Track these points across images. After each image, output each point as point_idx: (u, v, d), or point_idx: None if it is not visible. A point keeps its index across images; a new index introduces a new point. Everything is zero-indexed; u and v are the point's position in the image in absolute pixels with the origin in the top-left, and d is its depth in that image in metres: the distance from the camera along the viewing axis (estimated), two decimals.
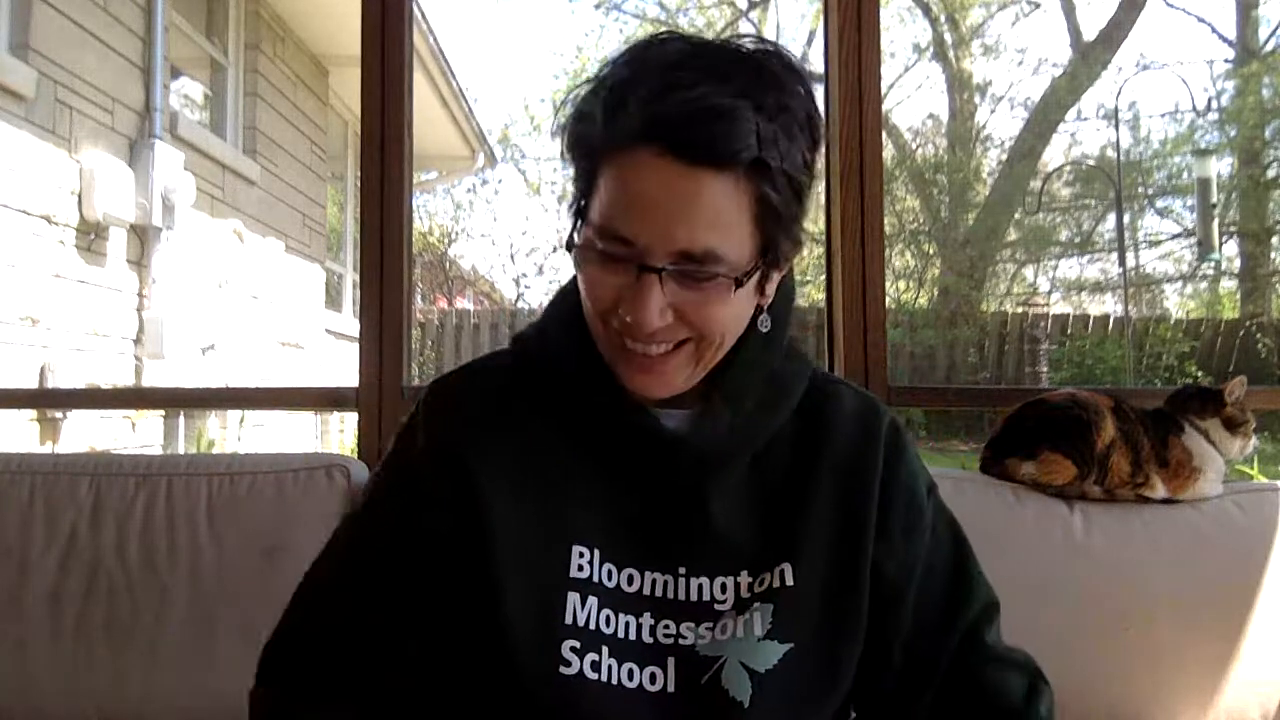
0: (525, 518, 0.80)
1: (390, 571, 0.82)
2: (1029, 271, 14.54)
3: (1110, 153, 12.43)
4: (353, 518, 0.90)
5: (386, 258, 1.62)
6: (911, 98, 16.50)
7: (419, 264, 13.53)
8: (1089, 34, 13.66)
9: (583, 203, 0.76)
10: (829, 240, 1.65)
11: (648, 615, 0.79)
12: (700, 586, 0.80)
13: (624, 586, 0.80)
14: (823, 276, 1.70)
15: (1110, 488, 1.35)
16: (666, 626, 0.79)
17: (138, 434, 4.24)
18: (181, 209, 4.30)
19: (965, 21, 14.47)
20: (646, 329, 0.73)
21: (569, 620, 0.78)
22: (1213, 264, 12.16)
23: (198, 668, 1.32)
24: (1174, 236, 13.52)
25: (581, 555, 0.80)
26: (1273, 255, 12.62)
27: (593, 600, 0.79)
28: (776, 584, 0.80)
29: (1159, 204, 13.68)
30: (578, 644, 0.77)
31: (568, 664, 0.76)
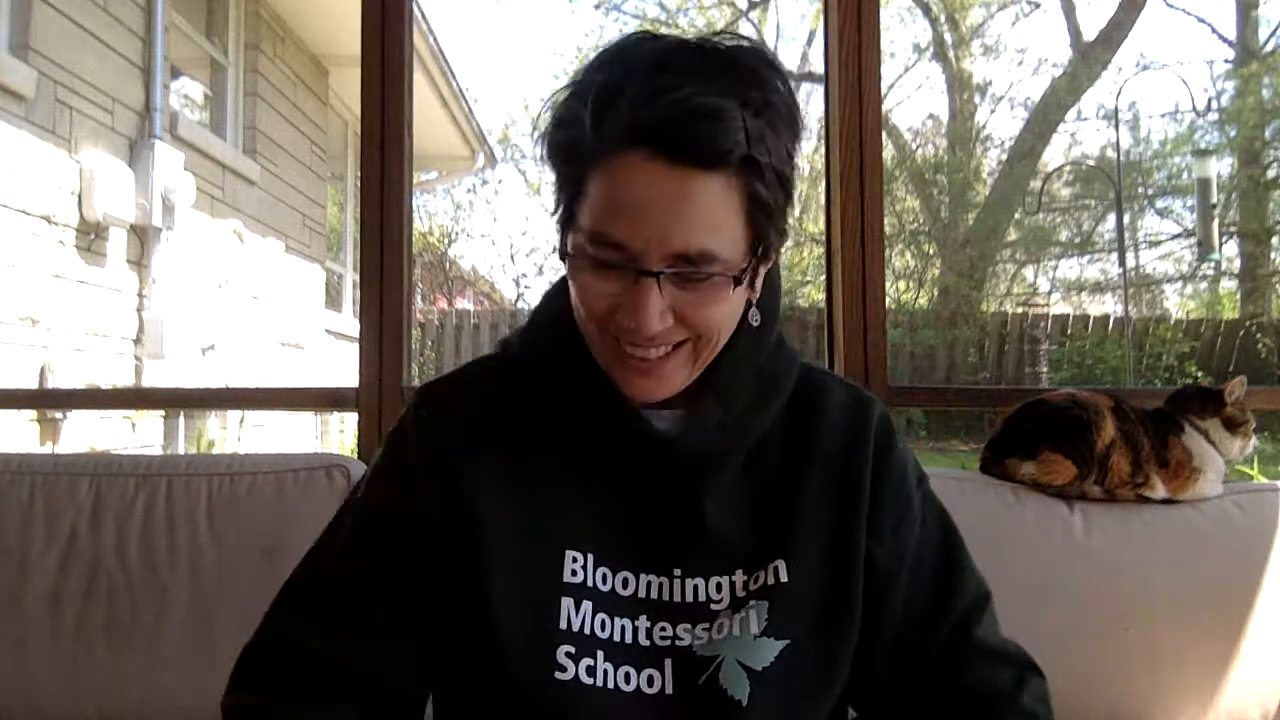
0: (517, 524, 0.80)
1: (386, 576, 0.81)
2: (1029, 271, 14.55)
3: (1110, 153, 12.43)
4: (339, 526, 0.87)
5: (386, 258, 1.62)
6: (911, 98, 16.52)
7: (419, 264, 13.53)
8: (1089, 34, 13.67)
9: (570, 209, 0.76)
10: (829, 240, 1.65)
11: (643, 618, 0.79)
12: (696, 587, 0.80)
13: (619, 590, 0.80)
14: (823, 276, 1.70)
15: (1110, 488, 1.35)
16: (663, 629, 0.79)
17: (138, 434, 4.24)
18: (181, 209, 4.30)
19: (965, 21, 14.47)
20: (647, 333, 0.73)
21: (563, 625, 0.77)
22: (1213, 264, 12.16)
23: (198, 668, 1.31)
24: (1174, 236, 13.53)
25: (575, 560, 0.79)
26: (1273, 255, 12.62)
27: (587, 605, 0.78)
28: (771, 581, 0.80)
29: (1159, 204, 13.69)
30: (572, 649, 0.77)
31: (563, 669, 0.76)
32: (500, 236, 23.04)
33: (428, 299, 13.53)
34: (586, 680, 0.76)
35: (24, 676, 1.33)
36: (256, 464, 1.42)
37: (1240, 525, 1.35)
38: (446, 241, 14.68)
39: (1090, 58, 13.43)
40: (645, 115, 0.69)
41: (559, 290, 0.87)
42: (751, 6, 14.72)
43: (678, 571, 0.81)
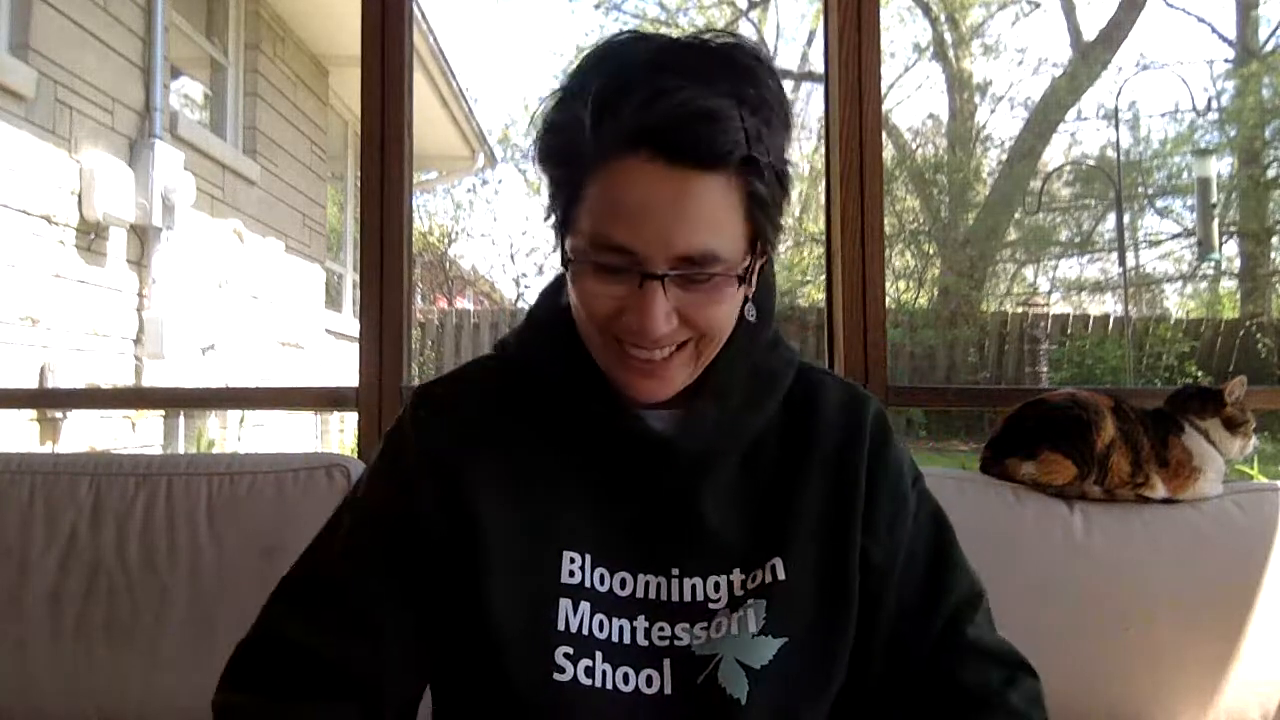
0: (515, 525, 0.80)
1: (384, 576, 0.81)
2: (1029, 271, 14.56)
3: (1110, 153, 12.43)
4: (337, 525, 0.87)
5: (386, 258, 1.62)
6: (911, 98, 16.53)
7: (419, 264, 13.53)
8: (1089, 34, 13.68)
9: (566, 214, 0.75)
10: (829, 240, 1.65)
11: (641, 618, 0.79)
12: (694, 587, 0.80)
13: (617, 590, 0.80)
14: (823, 276, 1.70)
15: (1110, 488, 1.35)
16: (661, 629, 0.79)
17: (138, 434, 4.24)
18: (181, 209, 4.30)
19: (965, 21, 14.48)
20: (653, 336, 0.73)
21: (561, 626, 0.77)
22: (1213, 264, 12.17)
23: (198, 668, 1.31)
24: (1174, 236, 13.54)
25: (573, 561, 0.79)
26: (1273, 255, 12.62)
27: (585, 606, 0.78)
28: (768, 579, 0.80)
29: (1159, 204, 13.69)
30: (570, 650, 0.77)
31: (561, 671, 0.76)
32: (500, 236, 23.06)
33: (428, 299, 13.53)
34: (585, 681, 0.76)
35: (24, 676, 1.33)
36: (256, 464, 1.42)
37: (1240, 525, 1.35)
38: (446, 241, 14.68)
39: (1090, 57, 13.43)
40: (646, 118, 0.69)
41: (555, 290, 0.87)
42: (751, 6, 14.72)
43: (675, 571, 0.81)
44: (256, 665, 0.81)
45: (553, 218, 0.78)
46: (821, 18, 1.71)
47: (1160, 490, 1.35)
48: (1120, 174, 9.16)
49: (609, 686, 0.77)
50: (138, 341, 4.23)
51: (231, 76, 5.40)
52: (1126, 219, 10.52)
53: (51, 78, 3.64)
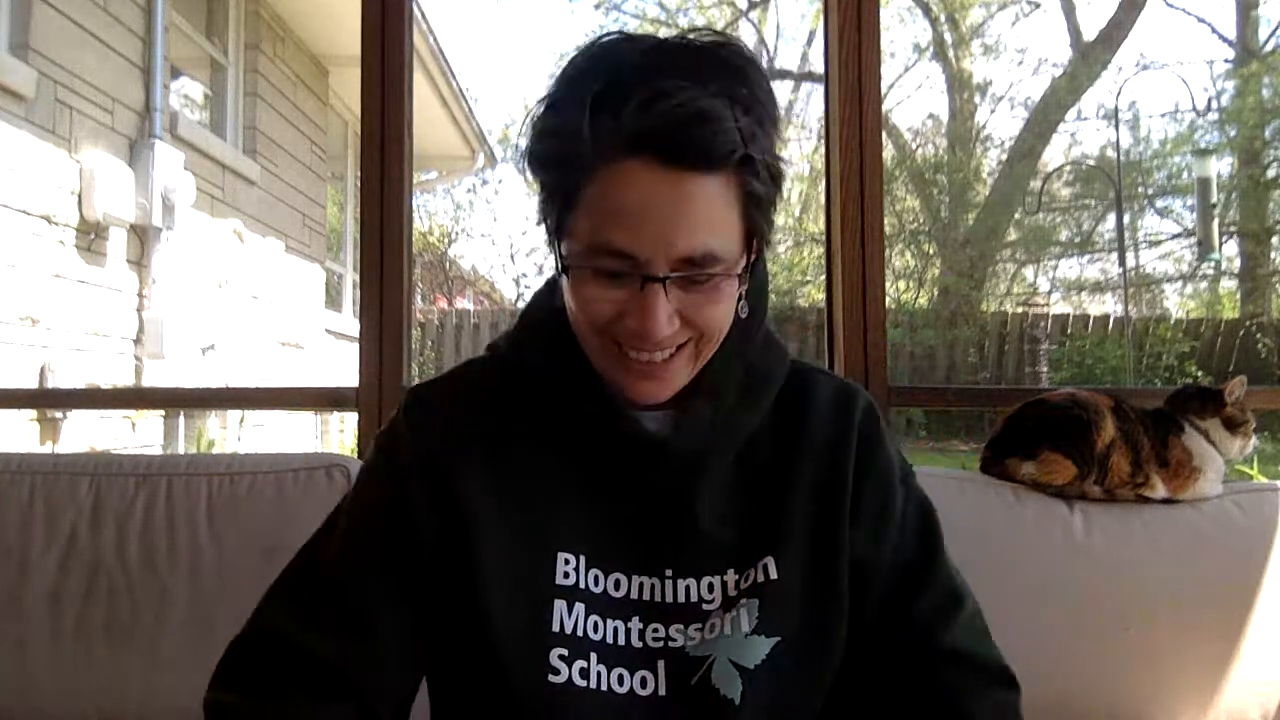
0: (509, 526, 0.80)
1: (381, 576, 0.81)
2: (1029, 271, 14.55)
3: (1110, 153, 12.43)
4: (333, 525, 0.87)
5: (386, 258, 1.62)
6: (911, 98, 16.53)
7: (419, 264, 13.53)
8: (1089, 34, 13.68)
9: (561, 219, 0.75)
10: (829, 240, 1.65)
11: (636, 620, 0.79)
12: (688, 588, 0.80)
13: (611, 592, 0.80)
14: (823, 276, 1.70)
15: (1110, 488, 1.35)
16: (655, 630, 0.79)
17: (138, 434, 4.24)
18: (181, 209, 4.30)
19: (965, 21, 14.47)
20: (656, 338, 0.73)
21: (556, 628, 0.77)
22: (1213, 264, 12.16)
23: (198, 668, 1.30)
24: (1174, 236, 13.53)
25: (567, 562, 0.80)
26: (1273, 255, 12.62)
27: (579, 607, 0.78)
28: (761, 578, 0.80)
29: (1159, 204, 13.69)
30: (565, 652, 0.77)
31: (556, 672, 0.76)
32: (500, 236, 22.98)
33: (428, 299, 13.53)
34: (580, 682, 0.76)
35: (24, 676, 1.33)
36: (256, 464, 1.41)
37: (1240, 525, 1.35)
38: (446, 241, 14.69)
39: (1090, 58, 13.43)
40: (643, 121, 0.69)
41: (548, 291, 0.87)
42: (751, 6, 14.72)
43: (669, 572, 0.81)
44: (251, 664, 0.81)
45: (545, 222, 0.77)
46: (821, 18, 1.71)
47: (1160, 490, 1.35)
48: (1120, 174, 9.16)
49: (604, 688, 0.77)
50: (138, 341, 4.23)
51: (231, 76, 5.40)
52: (1126, 219, 10.52)
53: (51, 78, 3.64)
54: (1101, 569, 1.31)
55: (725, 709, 0.77)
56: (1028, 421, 1.40)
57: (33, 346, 3.56)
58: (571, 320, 0.79)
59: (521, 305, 0.91)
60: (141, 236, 4.23)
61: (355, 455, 1.58)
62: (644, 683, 0.78)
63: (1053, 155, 14.14)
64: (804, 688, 0.80)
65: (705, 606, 0.80)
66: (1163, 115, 15.08)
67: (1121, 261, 9.65)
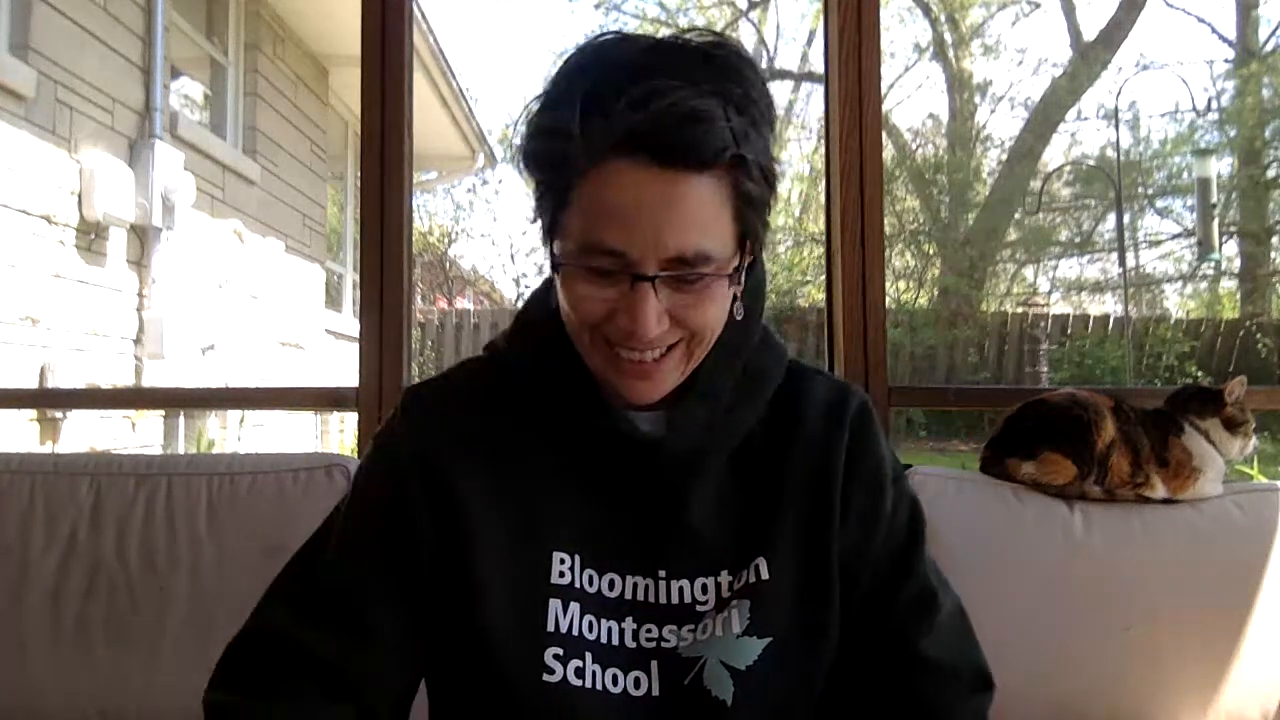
0: (505, 526, 0.80)
1: (379, 576, 0.81)
2: (1029, 271, 14.55)
3: (1110, 153, 12.42)
4: (331, 526, 0.87)
5: (386, 258, 1.62)
6: (911, 98, 16.53)
7: (419, 264, 13.53)
8: (1089, 34, 13.67)
9: (555, 218, 0.75)
10: (829, 240, 1.65)
11: (629, 620, 0.80)
12: (681, 589, 0.81)
13: (605, 592, 0.80)
14: (823, 276, 1.70)
15: (1110, 488, 1.35)
16: (649, 630, 0.79)
17: (138, 434, 4.24)
18: (181, 209, 4.30)
19: (965, 21, 14.47)
20: (646, 337, 0.73)
21: (551, 627, 0.78)
22: (1213, 264, 12.16)
23: (198, 668, 1.30)
24: (1174, 236, 13.53)
25: (562, 562, 0.80)
26: (1273, 255, 12.62)
27: (574, 606, 0.79)
28: (753, 579, 0.80)
29: (1159, 204, 13.69)
30: (560, 651, 0.77)
31: (551, 671, 0.76)
32: (500, 236, 22.95)
33: (428, 299, 13.53)
34: (575, 682, 0.77)
35: (24, 676, 1.33)
36: (256, 464, 1.42)
37: (1240, 525, 1.35)
38: (446, 241, 14.68)
39: (1090, 58, 13.43)
40: (636, 121, 0.69)
41: (544, 292, 0.87)
42: (751, 6, 14.71)
43: (663, 573, 0.81)
44: (250, 664, 0.81)
45: (540, 221, 0.78)
46: (821, 18, 1.71)
47: (1160, 490, 1.35)
48: (1120, 174, 9.15)
49: (598, 687, 0.77)
50: (138, 341, 4.23)
51: (231, 76, 5.40)
52: (1126, 219, 10.53)
53: (51, 78, 3.64)
54: (1101, 569, 1.31)
55: (718, 711, 0.77)
56: (1028, 421, 1.40)
57: (33, 346, 3.56)
58: (564, 319, 0.79)
59: (521, 305, 0.91)
60: (141, 236, 4.23)
61: (355, 455, 1.58)
62: (637, 683, 0.78)
63: (1053, 155, 14.15)
64: (796, 689, 0.80)
65: (699, 608, 0.80)
66: (1163, 115, 15.09)
67: (1121, 261, 9.65)
